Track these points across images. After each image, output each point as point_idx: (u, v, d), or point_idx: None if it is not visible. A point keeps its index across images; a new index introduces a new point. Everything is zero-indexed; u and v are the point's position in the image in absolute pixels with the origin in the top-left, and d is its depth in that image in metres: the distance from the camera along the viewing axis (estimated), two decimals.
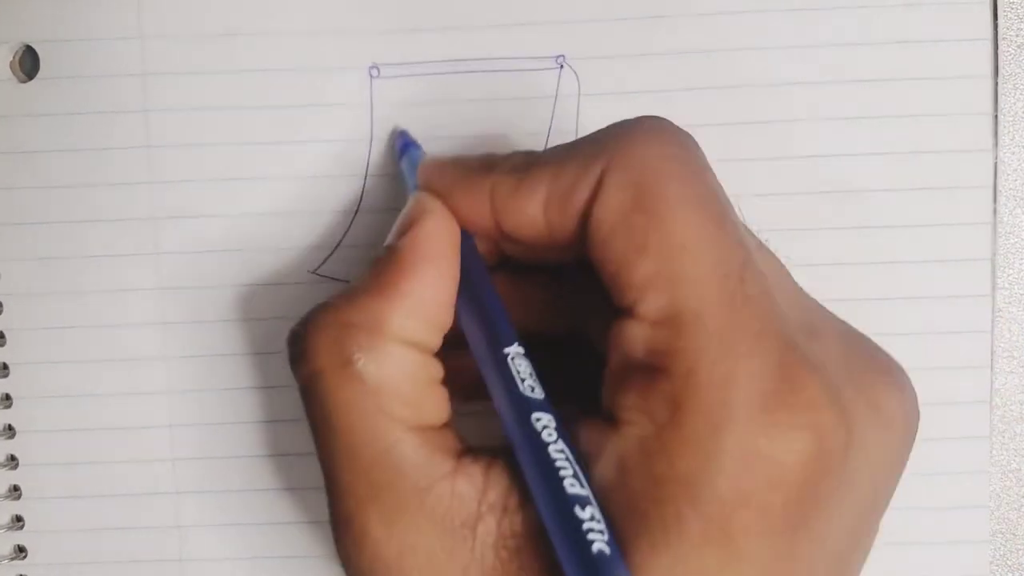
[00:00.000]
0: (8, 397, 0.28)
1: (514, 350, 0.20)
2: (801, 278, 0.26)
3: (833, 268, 0.27)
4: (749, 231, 0.20)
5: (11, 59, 0.27)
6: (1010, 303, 0.27)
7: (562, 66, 0.27)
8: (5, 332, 0.27)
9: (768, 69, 0.26)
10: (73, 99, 0.27)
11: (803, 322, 0.19)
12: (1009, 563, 0.27)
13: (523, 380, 0.19)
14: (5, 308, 0.27)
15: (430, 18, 0.27)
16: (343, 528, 0.20)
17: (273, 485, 0.28)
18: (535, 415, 0.19)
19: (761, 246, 0.21)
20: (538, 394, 0.19)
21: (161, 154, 0.27)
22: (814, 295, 0.26)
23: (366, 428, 0.19)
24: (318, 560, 0.28)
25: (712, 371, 0.17)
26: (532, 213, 0.20)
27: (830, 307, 0.26)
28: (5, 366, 0.27)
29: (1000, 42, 0.26)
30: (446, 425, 0.21)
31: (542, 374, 0.20)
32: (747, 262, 0.19)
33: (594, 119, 0.27)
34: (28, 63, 0.27)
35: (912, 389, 0.20)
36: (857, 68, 0.26)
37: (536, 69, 0.27)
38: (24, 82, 0.27)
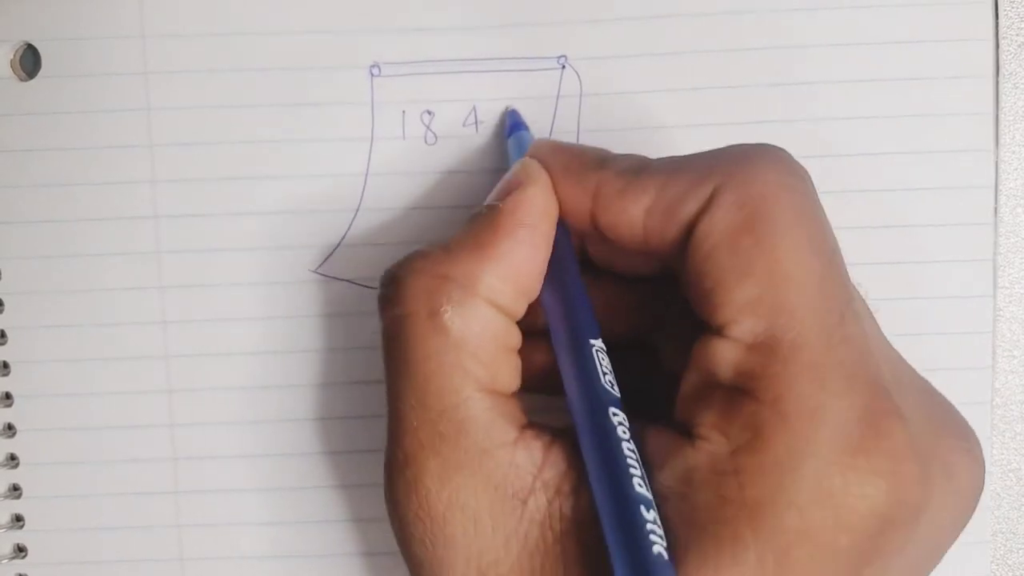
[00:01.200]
0: (8, 396, 0.27)
1: (599, 344, 0.20)
2: None
3: None
4: (849, 278, 0.20)
5: (12, 57, 0.27)
6: (1011, 303, 0.27)
7: (564, 66, 0.27)
8: (6, 330, 0.27)
9: (770, 69, 0.26)
10: (74, 98, 0.27)
11: (892, 373, 0.19)
12: (1010, 563, 0.27)
13: (605, 374, 0.20)
14: (6, 306, 0.27)
15: (431, 17, 0.27)
16: (397, 471, 0.20)
17: (273, 485, 0.27)
18: (613, 410, 0.19)
19: (858, 294, 0.21)
20: (616, 392, 0.20)
21: (163, 153, 0.27)
22: None
23: (443, 378, 0.20)
24: (320, 560, 0.28)
25: (801, 403, 0.17)
26: (633, 216, 0.20)
27: None
28: (6, 365, 0.27)
29: (1000, 40, 0.26)
30: (515, 395, 0.21)
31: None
32: (849, 302, 0.19)
33: (596, 120, 0.27)
34: (29, 62, 0.27)
35: (982, 458, 0.20)
36: (858, 67, 0.26)
37: (538, 69, 0.27)
38: (25, 81, 0.27)
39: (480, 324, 0.20)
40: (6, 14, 0.27)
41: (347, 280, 0.27)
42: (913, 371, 0.21)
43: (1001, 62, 0.26)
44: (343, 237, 0.27)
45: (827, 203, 0.26)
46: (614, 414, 0.19)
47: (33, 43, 0.27)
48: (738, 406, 0.18)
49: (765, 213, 0.19)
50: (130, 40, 0.27)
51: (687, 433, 0.19)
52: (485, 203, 0.22)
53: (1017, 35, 0.27)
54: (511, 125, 0.26)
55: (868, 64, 0.26)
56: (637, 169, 0.21)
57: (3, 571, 0.28)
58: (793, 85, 0.26)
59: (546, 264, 0.21)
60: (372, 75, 0.27)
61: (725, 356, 0.18)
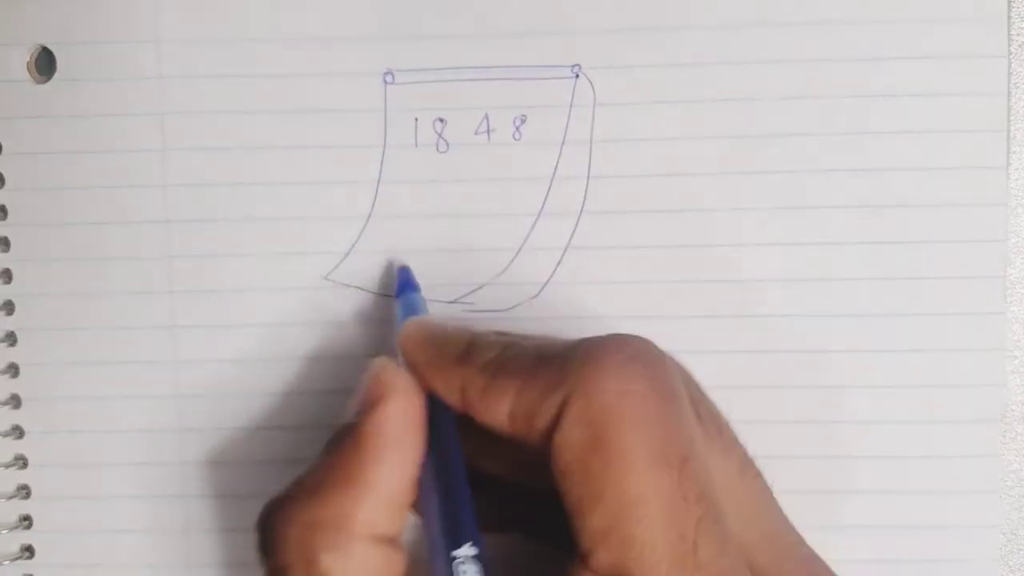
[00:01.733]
0: (17, 398, 0.28)
1: (464, 552, 0.19)
2: (813, 293, 0.27)
3: (843, 283, 0.27)
4: (709, 467, 0.20)
5: (27, 60, 0.27)
6: (1011, 304, 0.27)
7: (578, 75, 0.27)
8: (16, 333, 0.27)
9: (782, 82, 0.26)
10: (89, 101, 0.27)
11: (767, 554, 0.19)
12: (1011, 564, 0.27)
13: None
14: (16, 308, 0.27)
15: (445, 25, 0.27)
16: None
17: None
18: None
19: (744, 465, 0.21)
20: None
21: (175, 157, 0.27)
22: (827, 310, 0.27)
23: None
24: None
25: None
26: (499, 419, 0.20)
27: (842, 322, 0.27)
28: (15, 367, 0.27)
29: (1012, 54, 0.26)
30: None
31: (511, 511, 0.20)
32: (703, 520, 0.18)
33: (609, 129, 0.27)
34: (44, 64, 0.27)
35: None
36: (873, 83, 0.26)
37: (551, 78, 0.27)
38: (40, 83, 0.27)
39: (361, 564, 0.19)
40: (22, 17, 0.27)
41: (358, 287, 0.27)
42: (794, 542, 0.21)
43: (1012, 72, 0.26)
44: (355, 244, 0.27)
45: (840, 217, 0.27)
46: None
47: (48, 46, 0.27)
48: None
49: (610, 430, 0.18)
50: (145, 44, 0.27)
51: None
52: (343, 422, 0.21)
53: None
54: (400, 285, 0.26)
55: (882, 80, 0.26)
56: (498, 366, 0.20)
57: (11, 571, 0.28)
58: (806, 99, 0.26)
59: (417, 471, 0.20)
60: (386, 82, 0.27)
61: None
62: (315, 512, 0.19)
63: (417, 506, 0.21)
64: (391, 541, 0.20)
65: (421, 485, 0.21)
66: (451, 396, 0.21)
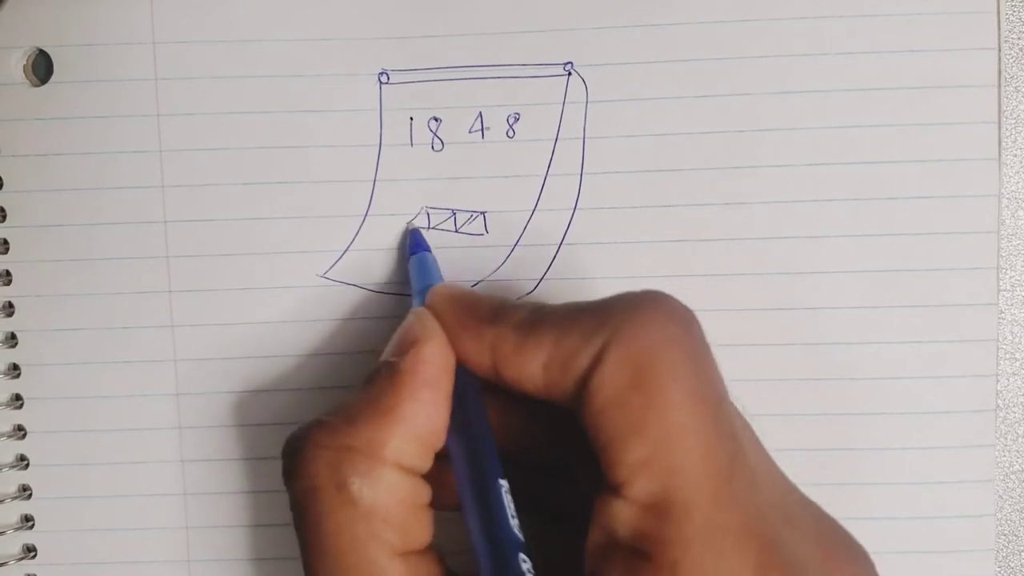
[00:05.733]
0: (19, 398, 0.28)
1: (504, 485, 0.20)
2: (806, 286, 0.27)
3: (836, 276, 0.27)
4: (737, 412, 0.21)
5: (24, 63, 0.27)
6: (1012, 305, 0.27)
7: (570, 73, 0.27)
8: (17, 333, 0.28)
9: (775, 77, 0.27)
10: (86, 104, 0.27)
11: (782, 510, 0.20)
12: (1011, 564, 0.28)
13: (512, 517, 0.20)
14: (17, 310, 0.28)
15: (439, 24, 0.27)
16: None
17: (280, 487, 0.28)
18: (522, 556, 0.19)
19: (746, 426, 0.21)
20: (520, 536, 0.20)
21: (172, 158, 0.27)
22: (820, 303, 0.27)
23: (357, 553, 0.20)
24: None
25: (694, 566, 0.18)
26: (532, 371, 0.21)
27: (835, 315, 0.27)
28: (16, 367, 0.28)
29: (1003, 45, 0.26)
30: (429, 547, 0.21)
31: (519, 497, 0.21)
32: (736, 455, 0.19)
33: (602, 127, 0.27)
34: (41, 67, 0.27)
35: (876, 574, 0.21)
36: (863, 76, 0.27)
37: (544, 76, 0.27)
38: (37, 86, 0.27)
39: (389, 490, 0.20)
40: (18, 20, 0.27)
41: (355, 285, 0.27)
42: (803, 497, 0.21)
43: (1002, 66, 0.26)
44: (351, 242, 0.27)
45: (832, 211, 0.27)
46: (523, 560, 0.19)
47: (45, 49, 0.27)
48: (638, 570, 0.19)
49: (651, 369, 0.19)
50: (141, 47, 0.27)
51: None
52: (381, 359, 0.22)
53: (1019, 39, 0.27)
54: (412, 245, 0.26)
55: (873, 73, 0.27)
56: (532, 322, 0.21)
57: (13, 571, 0.28)
58: (798, 93, 0.27)
59: (449, 416, 0.21)
60: (380, 82, 0.27)
61: (623, 516, 0.19)
62: (348, 438, 0.20)
63: (447, 449, 0.21)
64: (419, 473, 0.21)
65: (451, 434, 0.21)
66: (481, 355, 0.21)
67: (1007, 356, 0.27)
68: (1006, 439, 0.28)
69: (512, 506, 0.20)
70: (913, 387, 0.27)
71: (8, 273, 0.27)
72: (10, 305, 0.28)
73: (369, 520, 0.20)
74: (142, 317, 0.27)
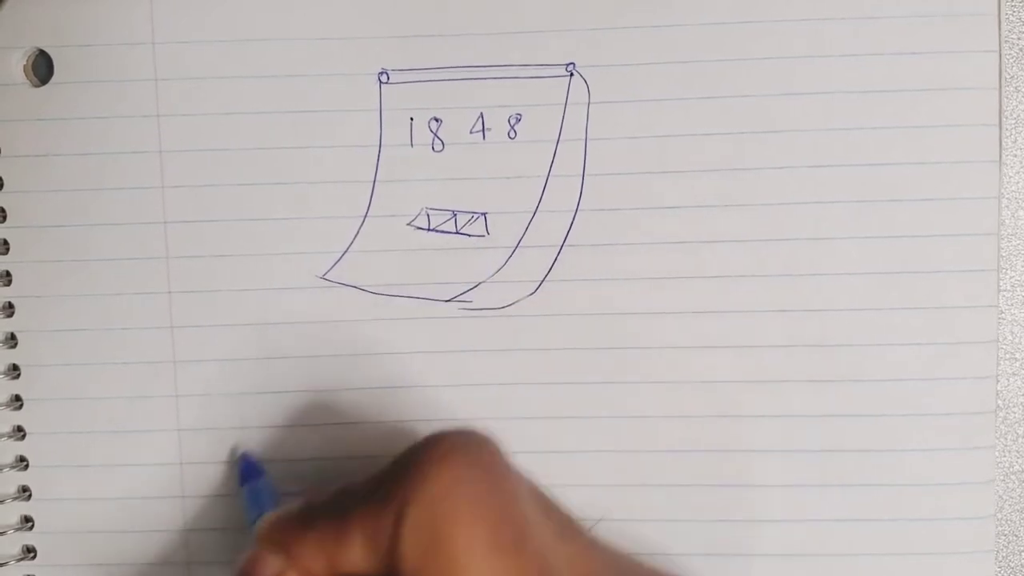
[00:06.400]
0: (19, 399, 0.28)
1: None
2: (808, 288, 0.27)
3: (837, 278, 0.27)
4: (568, 522, 0.21)
5: (24, 63, 0.27)
6: (1012, 305, 0.27)
7: (572, 74, 0.27)
8: (17, 334, 0.28)
9: (777, 78, 0.27)
10: (85, 104, 0.27)
11: None
12: (1012, 564, 0.28)
13: None
14: (17, 310, 0.28)
15: (440, 24, 0.27)
16: None
17: (281, 489, 0.28)
18: None
19: (566, 527, 0.22)
20: None
21: (172, 158, 0.27)
22: (821, 306, 0.27)
23: None
24: None
25: None
26: (357, 557, 0.21)
27: (837, 317, 0.27)
28: (16, 368, 0.28)
29: (1003, 45, 0.26)
30: None
31: None
32: None
33: (603, 128, 0.27)
34: (42, 68, 0.27)
35: None
36: (865, 78, 0.27)
37: (546, 76, 0.27)
38: (37, 86, 0.27)
39: None
40: (19, 21, 0.27)
41: (354, 286, 0.27)
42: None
43: (1003, 67, 0.26)
44: (350, 243, 0.27)
45: (833, 213, 0.27)
46: None
47: (45, 49, 0.27)
48: None
49: (444, 532, 0.19)
50: (141, 47, 0.27)
51: None
52: None
53: (1019, 39, 0.27)
54: (243, 469, 0.27)
55: (874, 75, 0.27)
56: (344, 510, 0.21)
57: (12, 572, 0.28)
58: (800, 95, 0.27)
59: None
60: (381, 82, 0.27)
61: None
62: None
63: None
64: None
65: None
66: (318, 560, 0.21)
67: (1007, 356, 0.27)
68: (1006, 439, 0.28)
69: None
70: (914, 388, 0.27)
71: (8, 274, 0.27)
72: (10, 306, 0.28)
73: None
74: (141, 318, 0.27)
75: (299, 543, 0.22)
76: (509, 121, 0.27)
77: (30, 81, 0.27)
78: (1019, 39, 0.27)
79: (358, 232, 0.27)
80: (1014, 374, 0.27)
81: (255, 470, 0.27)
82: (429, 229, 0.27)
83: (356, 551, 0.21)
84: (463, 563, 0.19)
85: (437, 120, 0.27)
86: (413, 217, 0.27)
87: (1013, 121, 0.27)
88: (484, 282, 0.27)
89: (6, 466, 0.28)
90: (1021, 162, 0.27)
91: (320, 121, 0.27)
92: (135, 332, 0.27)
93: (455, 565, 0.19)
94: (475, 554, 0.19)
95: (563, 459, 0.27)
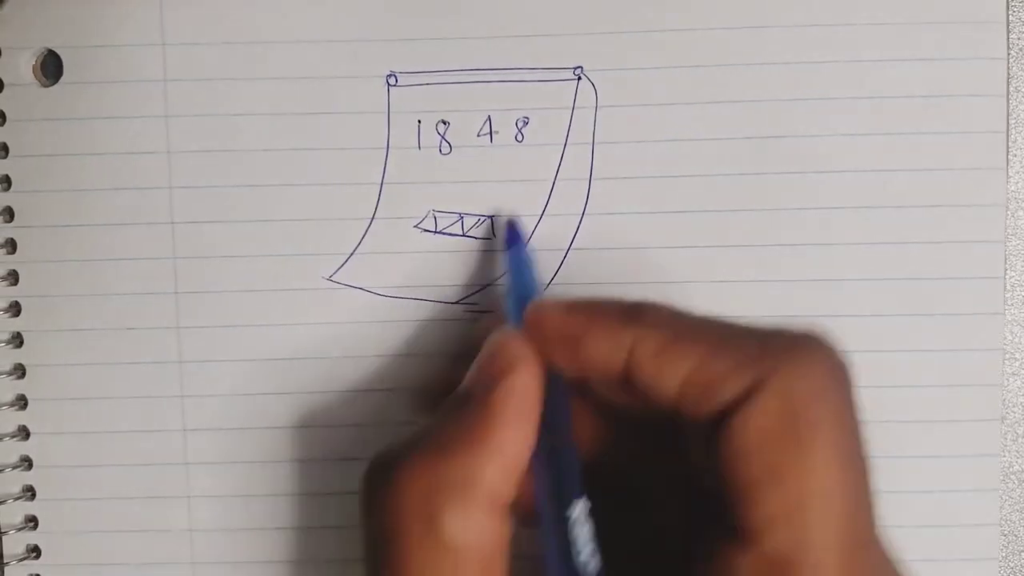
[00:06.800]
0: (24, 399, 0.28)
1: (578, 511, 0.19)
2: (815, 293, 0.27)
3: (844, 284, 0.27)
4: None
5: (34, 64, 0.27)
6: (1012, 305, 0.27)
7: (580, 77, 0.27)
8: (23, 334, 0.28)
9: (784, 84, 0.27)
10: (95, 104, 0.27)
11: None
12: (1012, 565, 0.27)
13: (590, 541, 0.19)
14: (23, 310, 0.28)
15: (448, 27, 0.27)
16: None
17: (286, 490, 0.28)
18: None
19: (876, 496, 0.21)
20: (598, 563, 0.19)
21: (180, 159, 0.27)
22: (828, 312, 0.27)
23: None
24: (330, 565, 0.28)
25: None
26: (668, 382, 0.19)
27: (843, 323, 0.27)
28: (21, 368, 0.28)
29: (1011, 49, 0.26)
30: None
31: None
32: (870, 527, 0.19)
33: (611, 131, 0.27)
34: (51, 68, 0.27)
35: None
36: (873, 84, 0.27)
37: (554, 80, 0.27)
38: (47, 86, 0.27)
39: (479, 526, 0.19)
40: (29, 21, 0.27)
41: (361, 288, 0.27)
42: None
43: (1011, 72, 0.26)
44: (358, 245, 0.27)
45: (841, 218, 0.27)
46: None
47: (55, 49, 0.27)
48: None
49: (807, 420, 0.18)
50: (150, 48, 0.27)
51: None
52: (469, 383, 0.21)
53: (1018, 39, 0.27)
54: (508, 237, 0.26)
55: (882, 81, 0.27)
56: (674, 330, 0.20)
57: (17, 571, 0.28)
58: (807, 101, 0.27)
59: (535, 438, 0.20)
60: (389, 84, 0.27)
61: (746, 567, 0.18)
62: (442, 470, 0.19)
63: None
64: (503, 510, 0.20)
65: (534, 455, 0.20)
66: (613, 356, 0.20)
67: (1008, 357, 0.27)
68: (1006, 439, 0.27)
69: (587, 534, 0.19)
70: (919, 395, 0.27)
71: (15, 273, 0.27)
72: (16, 305, 0.28)
73: (456, 558, 0.19)
74: (148, 318, 0.27)
75: (604, 334, 0.20)
76: (517, 124, 0.27)
77: (39, 81, 0.27)
78: (1018, 39, 0.27)
79: (365, 234, 0.27)
80: (1014, 374, 0.27)
81: (520, 239, 0.26)
82: (436, 231, 0.27)
83: (673, 376, 0.19)
84: (817, 457, 0.18)
85: (445, 123, 0.27)
86: (420, 219, 0.27)
87: (1013, 121, 0.27)
88: (492, 285, 0.27)
89: (10, 466, 0.28)
90: (1022, 162, 0.27)
91: (328, 123, 0.27)
92: (141, 332, 0.27)
93: (808, 455, 0.18)
94: (830, 454, 0.18)
95: None
